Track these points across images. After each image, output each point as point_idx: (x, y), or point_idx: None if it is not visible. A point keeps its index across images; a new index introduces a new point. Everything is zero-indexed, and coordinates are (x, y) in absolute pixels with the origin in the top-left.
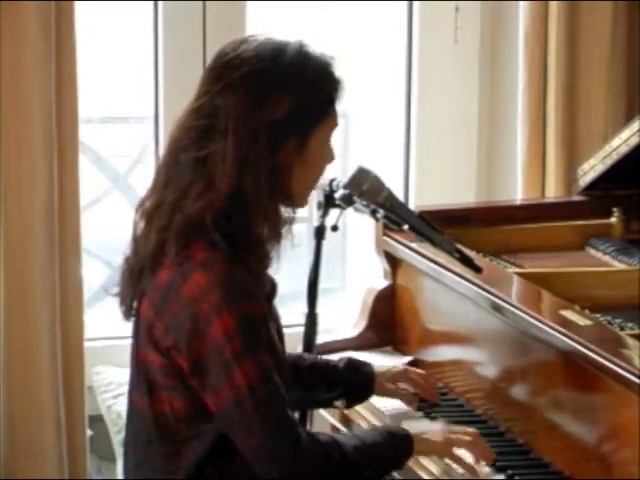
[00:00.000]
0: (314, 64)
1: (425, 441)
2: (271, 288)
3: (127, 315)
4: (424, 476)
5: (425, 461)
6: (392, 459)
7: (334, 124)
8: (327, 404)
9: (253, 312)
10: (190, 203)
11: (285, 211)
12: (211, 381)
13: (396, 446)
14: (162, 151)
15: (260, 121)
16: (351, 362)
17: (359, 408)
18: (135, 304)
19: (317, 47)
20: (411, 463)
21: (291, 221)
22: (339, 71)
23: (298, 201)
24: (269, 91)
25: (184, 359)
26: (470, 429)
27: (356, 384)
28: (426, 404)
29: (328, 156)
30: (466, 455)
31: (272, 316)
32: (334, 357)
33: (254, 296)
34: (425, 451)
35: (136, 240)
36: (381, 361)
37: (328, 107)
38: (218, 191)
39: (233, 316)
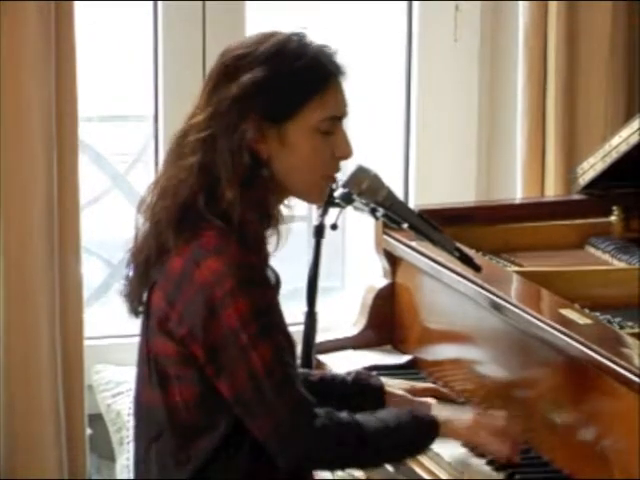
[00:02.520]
0: (297, 49)
1: (451, 428)
2: (276, 281)
3: (135, 311)
4: (424, 476)
5: (426, 461)
6: (415, 443)
7: (323, 113)
8: None
9: (267, 297)
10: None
11: (285, 206)
12: (227, 366)
13: (420, 431)
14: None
15: (227, 96)
16: (359, 375)
17: None
18: (145, 297)
19: (316, 39)
20: (412, 463)
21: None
22: (336, 63)
23: (305, 195)
24: (240, 70)
25: (199, 347)
26: (500, 414)
27: (366, 397)
28: None
29: (325, 148)
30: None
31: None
32: (335, 358)
33: (267, 283)
34: (450, 437)
35: (139, 235)
36: (381, 360)
37: (309, 93)
38: (192, 167)
39: (248, 301)
